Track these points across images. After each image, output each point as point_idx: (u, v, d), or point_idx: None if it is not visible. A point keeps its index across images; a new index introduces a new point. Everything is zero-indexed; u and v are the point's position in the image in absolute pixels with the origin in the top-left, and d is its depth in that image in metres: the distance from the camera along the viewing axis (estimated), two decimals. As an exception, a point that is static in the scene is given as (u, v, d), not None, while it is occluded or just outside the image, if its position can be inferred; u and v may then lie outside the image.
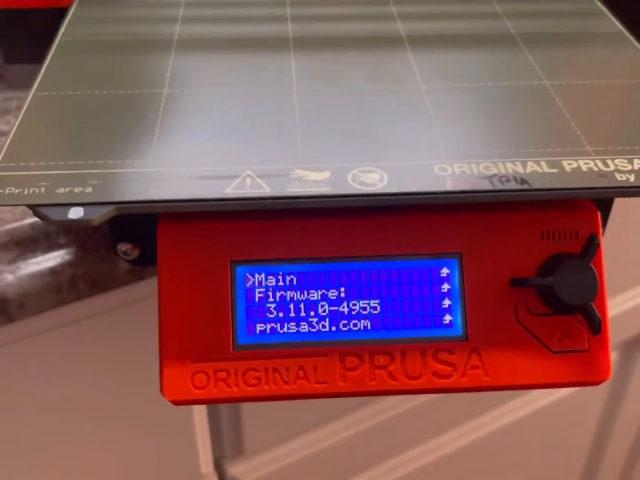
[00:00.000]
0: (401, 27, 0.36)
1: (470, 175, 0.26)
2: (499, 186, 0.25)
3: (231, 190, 0.25)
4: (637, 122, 0.29)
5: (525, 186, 0.25)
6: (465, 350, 0.27)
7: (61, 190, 0.25)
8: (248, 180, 0.25)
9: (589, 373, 0.27)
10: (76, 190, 0.25)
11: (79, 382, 0.40)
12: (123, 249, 0.32)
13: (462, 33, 0.36)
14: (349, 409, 0.55)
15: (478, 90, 0.31)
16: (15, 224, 0.34)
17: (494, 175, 0.26)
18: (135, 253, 0.32)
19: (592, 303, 0.26)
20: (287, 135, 0.28)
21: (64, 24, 0.36)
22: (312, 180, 0.25)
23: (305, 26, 0.36)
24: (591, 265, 0.26)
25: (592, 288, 0.26)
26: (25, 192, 0.25)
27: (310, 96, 0.30)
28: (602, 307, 0.27)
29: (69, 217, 0.24)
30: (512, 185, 0.25)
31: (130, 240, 0.32)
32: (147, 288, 0.38)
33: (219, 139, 0.28)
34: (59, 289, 0.34)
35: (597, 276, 0.26)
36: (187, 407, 0.45)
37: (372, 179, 0.25)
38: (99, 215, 0.24)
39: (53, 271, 0.34)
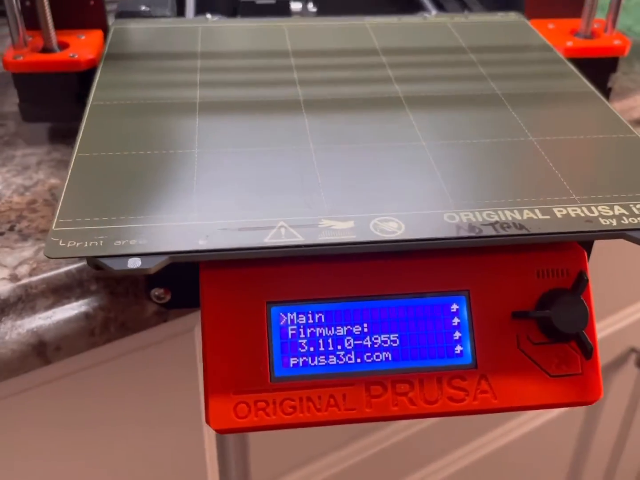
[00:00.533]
0: (399, 89, 0.40)
1: (476, 222, 0.29)
2: (501, 231, 0.29)
3: (269, 239, 0.28)
4: (613, 172, 0.33)
5: (523, 231, 0.29)
6: (476, 377, 0.30)
7: (118, 242, 0.28)
8: (282, 230, 0.29)
9: (583, 394, 0.31)
10: (131, 242, 0.28)
11: (106, 416, 0.43)
12: (156, 293, 0.35)
13: (453, 94, 0.40)
14: (352, 438, 0.58)
15: (473, 147, 0.35)
16: (51, 273, 0.37)
17: (496, 222, 0.30)
18: (167, 297, 0.35)
19: (584, 331, 0.30)
20: (311, 189, 0.31)
21: (93, 89, 0.39)
22: (338, 229, 0.29)
23: (312, 90, 0.40)
24: (582, 298, 0.30)
25: (584, 318, 0.30)
26: (86, 245, 0.28)
27: (326, 153, 0.34)
28: (592, 335, 0.30)
29: (129, 267, 0.27)
30: (513, 230, 0.29)
31: (163, 286, 0.35)
32: (171, 329, 0.41)
33: (251, 194, 0.31)
34: (93, 332, 0.37)
35: (588, 308, 0.30)
36: (198, 439, 0.48)
37: (391, 227, 0.29)
38: (155, 264, 0.27)
39: (87, 315, 0.37)
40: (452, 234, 0.29)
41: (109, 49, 0.43)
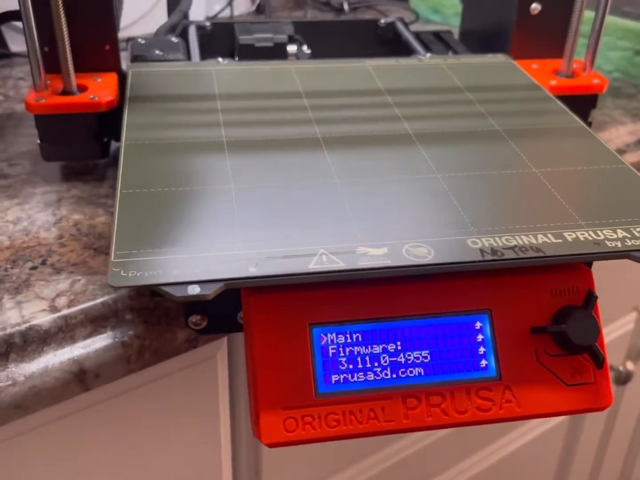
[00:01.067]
0: (407, 127, 0.43)
1: (497, 247, 0.33)
2: (521, 254, 0.32)
3: (313, 265, 0.31)
4: (612, 199, 0.37)
5: (540, 254, 0.32)
6: (500, 388, 0.33)
7: (176, 271, 0.30)
8: (324, 257, 0.31)
9: (596, 401, 0.34)
10: (188, 271, 0.30)
11: (134, 439, 0.44)
12: (194, 320, 0.37)
13: (458, 130, 0.43)
14: (364, 454, 0.60)
15: (484, 178, 0.38)
16: (89, 304, 0.39)
17: (515, 246, 0.33)
18: (204, 323, 0.38)
19: (596, 343, 0.33)
20: (343, 219, 0.34)
21: (123, 130, 0.41)
22: (374, 255, 0.32)
23: (329, 128, 0.43)
24: (593, 314, 0.33)
25: (596, 332, 0.33)
26: (147, 275, 0.30)
27: (351, 186, 0.37)
28: (602, 347, 0.34)
29: (189, 293, 0.29)
30: (531, 253, 0.32)
31: (200, 312, 0.37)
32: (201, 354, 0.43)
33: (288, 225, 0.34)
34: (129, 360, 0.39)
35: (598, 322, 0.33)
36: (215, 458, 0.50)
37: (422, 252, 0.32)
38: (213, 290, 0.30)
39: (124, 344, 0.39)
40: (478, 257, 0.32)
41: (131, 91, 0.46)
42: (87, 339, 0.38)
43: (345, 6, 0.86)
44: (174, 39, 0.54)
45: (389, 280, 0.33)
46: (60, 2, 0.45)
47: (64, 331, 0.38)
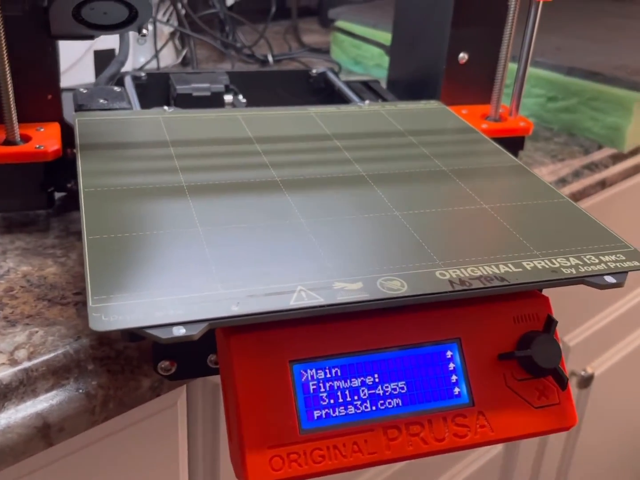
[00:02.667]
0: (360, 169, 0.45)
1: (464, 277, 0.34)
2: (487, 284, 0.34)
3: (294, 302, 0.32)
4: (559, 230, 0.39)
5: (505, 282, 0.34)
6: (474, 414, 0.34)
7: (159, 313, 0.30)
8: (303, 293, 0.32)
9: (562, 421, 0.35)
10: (171, 312, 0.30)
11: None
12: (163, 365, 0.37)
13: (408, 171, 0.45)
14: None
15: (440, 214, 0.40)
16: (50, 355, 0.38)
17: (481, 276, 0.34)
18: (173, 369, 0.37)
19: (559, 366, 0.35)
20: (314, 256, 0.35)
21: (80, 178, 0.41)
22: (351, 289, 0.33)
23: (285, 171, 0.44)
24: (554, 338, 0.35)
25: (558, 355, 0.35)
26: (129, 318, 0.30)
27: (316, 225, 0.38)
28: (564, 368, 0.36)
29: (174, 334, 0.29)
30: (496, 282, 0.34)
31: (169, 358, 0.37)
32: (162, 402, 0.42)
33: (262, 264, 0.34)
34: (93, 411, 0.38)
35: (560, 346, 0.35)
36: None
37: (396, 285, 0.33)
38: (199, 331, 0.30)
39: (88, 395, 0.38)
40: (448, 288, 0.33)
41: (81, 140, 0.45)
42: (50, 392, 0.37)
43: (270, 58, 0.88)
44: (117, 88, 0.54)
45: (363, 314, 0.34)
46: (4, 53, 0.44)
47: (25, 385, 0.37)
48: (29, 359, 0.37)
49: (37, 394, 0.37)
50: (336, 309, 0.32)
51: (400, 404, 0.34)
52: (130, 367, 0.39)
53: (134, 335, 0.31)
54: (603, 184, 0.69)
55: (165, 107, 0.52)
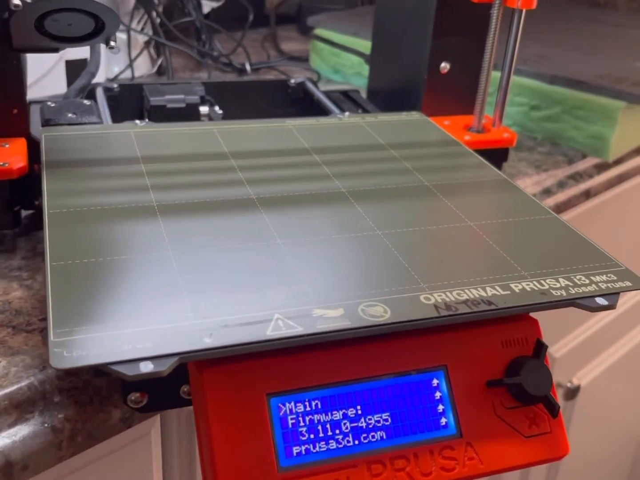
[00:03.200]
0: (340, 185, 0.43)
1: (450, 302, 0.32)
2: (474, 308, 0.32)
3: (271, 332, 0.30)
4: (547, 249, 0.38)
5: (492, 306, 0.32)
6: (462, 445, 0.33)
7: (125, 347, 0.28)
8: (280, 322, 0.30)
9: (553, 450, 0.34)
10: (138, 346, 0.28)
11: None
12: (133, 398, 0.35)
13: (389, 187, 0.44)
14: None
15: (423, 233, 0.39)
16: (13, 388, 0.35)
17: (467, 299, 0.33)
18: (145, 400, 0.35)
19: (550, 393, 0.33)
20: (292, 281, 0.33)
21: (44, 198, 0.39)
22: (331, 317, 0.31)
23: (261, 188, 0.42)
24: (545, 364, 0.34)
25: (549, 381, 0.33)
26: (93, 353, 0.28)
27: (294, 247, 0.36)
28: (555, 395, 0.34)
29: (142, 371, 0.27)
30: (483, 306, 0.32)
31: (140, 390, 0.35)
32: (135, 432, 0.40)
33: (237, 290, 0.32)
34: (60, 446, 0.36)
35: (550, 372, 0.34)
36: None
37: (378, 311, 0.31)
38: (168, 366, 0.28)
39: (54, 429, 0.35)
40: (433, 313, 0.32)
41: (47, 157, 0.43)
42: (13, 427, 0.35)
43: (248, 67, 0.86)
44: (86, 102, 0.51)
45: (344, 342, 0.32)
46: (-34, 65, 0.42)
47: (-15, 420, 0.34)
48: (-9, 392, 0.35)
49: (-1, 430, 0.35)
50: (316, 338, 0.30)
51: (385, 436, 0.32)
52: (99, 398, 0.37)
53: (99, 371, 0.29)
54: (587, 194, 0.68)
55: (137, 121, 0.50)
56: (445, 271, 0.35)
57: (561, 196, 0.65)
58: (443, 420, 0.33)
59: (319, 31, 0.88)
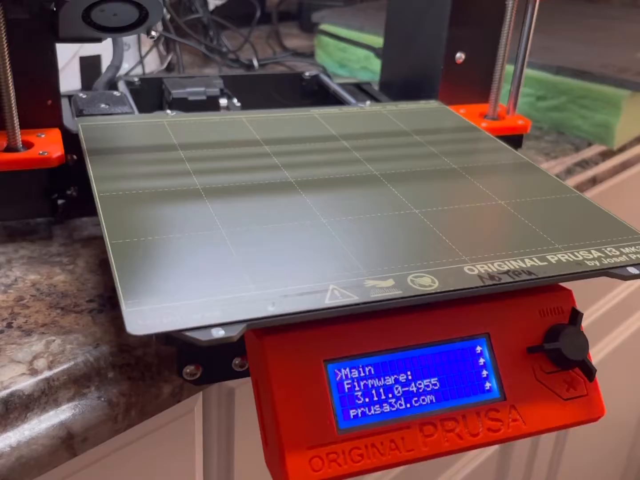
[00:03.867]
0: (372, 168, 0.45)
1: (493, 272, 0.34)
2: (516, 278, 0.34)
3: (329, 300, 0.31)
4: (577, 224, 0.40)
5: (532, 276, 0.34)
6: (507, 408, 0.34)
7: (196, 316, 0.30)
8: (336, 292, 0.32)
9: (590, 412, 0.36)
10: (207, 314, 0.30)
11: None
12: (188, 370, 0.36)
13: (419, 170, 0.45)
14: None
15: (457, 211, 0.40)
16: (71, 364, 0.37)
17: (508, 270, 0.35)
18: (199, 373, 0.37)
19: (587, 357, 0.35)
20: (340, 255, 0.35)
21: (93, 183, 0.40)
22: (383, 287, 0.33)
23: (298, 172, 0.43)
24: (581, 330, 0.36)
25: (586, 347, 0.35)
26: (165, 321, 0.29)
27: (338, 224, 0.38)
28: (590, 360, 0.36)
29: (214, 336, 0.29)
30: (524, 276, 0.34)
31: (194, 362, 0.36)
32: (181, 409, 0.41)
33: (291, 263, 0.34)
34: (116, 419, 0.37)
35: (586, 338, 0.35)
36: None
37: (426, 281, 0.33)
38: (238, 332, 0.29)
39: (110, 403, 0.37)
40: (478, 283, 0.33)
41: (88, 145, 0.45)
42: (72, 401, 0.36)
43: (255, 62, 0.88)
44: (117, 93, 0.53)
45: (393, 312, 0.34)
46: (7, 57, 0.43)
47: (47, 394, 0.36)
48: (49, 368, 0.36)
49: (59, 404, 0.36)
50: (371, 306, 0.31)
51: (434, 400, 0.34)
52: (150, 374, 0.39)
53: (170, 338, 0.30)
54: (594, 181, 0.70)
55: (168, 111, 0.51)
56: (484, 245, 0.37)
57: (570, 182, 0.67)
58: (487, 385, 0.35)
59: (324, 27, 0.89)
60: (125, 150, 0.45)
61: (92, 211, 0.50)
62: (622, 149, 0.73)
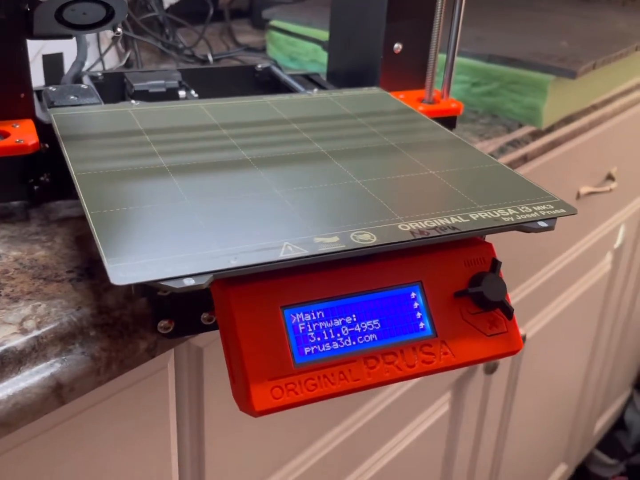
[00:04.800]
0: (319, 147, 0.50)
1: (423, 228, 0.40)
2: (443, 232, 0.40)
3: (283, 254, 0.37)
4: (496, 188, 0.46)
5: (457, 230, 0.40)
6: (438, 343, 0.40)
7: (168, 269, 0.35)
8: (290, 247, 0.37)
9: (509, 346, 0.42)
10: (179, 267, 0.35)
11: (100, 451, 0.47)
12: (162, 324, 0.41)
13: (361, 147, 0.51)
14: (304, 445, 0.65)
15: (395, 180, 0.46)
16: (56, 323, 0.42)
17: (436, 226, 0.40)
18: (172, 327, 0.42)
19: (505, 299, 0.41)
20: (292, 218, 0.40)
21: (69, 164, 0.45)
22: (329, 242, 0.38)
23: (254, 151, 0.49)
24: (499, 276, 0.42)
25: (504, 290, 0.41)
26: (143, 274, 0.34)
27: (290, 194, 0.43)
28: (509, 301, 0.42)
29: (186, 284, 0.34)
30: (449, 231, 0.40)
31: (168, 317, 0.42)
32: (155, 365, 0.46)
33: (249, 226, 0.39)
34: (98, 372, 0.42)
35: (504, 283, 0.41)
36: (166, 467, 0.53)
37: (366, 237, 0.39)
38: (206, 281, 0.34)
39: (93, 357, 0.42)
40: (410, 237, 0.39)
41: (61, 132, 0.49)
42: (60, 356, 0.41)
43: (210, 58, 0.93)
44: (84, 86, 0.57)
45: (339, 264, 0.39)
46: (-17, 54, 0.47)
47: (37, 350, 0.40)
48: (38, 327, 0.41)
49: (48, 358, 0.41)
50: (319, 258, 0.37)
51: (376, 338, 0.39)
52: (127, 332, 0.44)
53: (147, 289, 0.35)
54: (525, 159, 0.77)
55: (132, 101, 0.56)
56: (415, 207, 0.43)
57: (502, 160, 0.74)
58: (421, 325, 0.40)
59: (275, 22, 0.94)
60: (96, 136, 0.49)
61: (65, 195, 0.54)
62: (550, 130, 0.80)
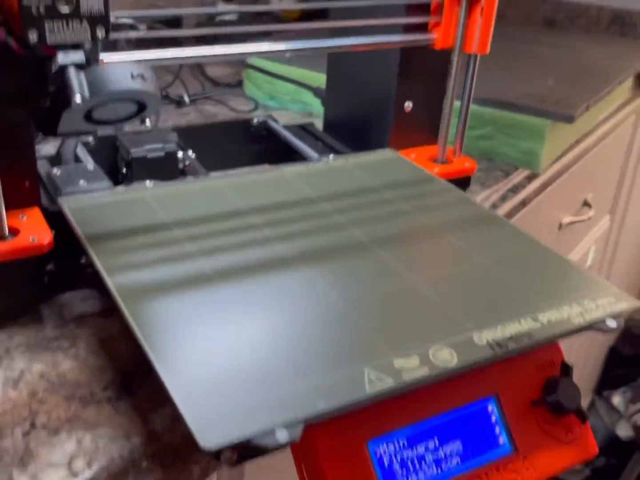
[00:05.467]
0: (357, 232, 0.48)
1: (499, 340, 0.38)
2: (520, 343, 0.38)
3: (368, 387, 0.34)
4: (549, 280, 0.44)
5: (534, 339, 0.39)
6: (520, 460, 0.39)
7: (257, 419, 0.32)
8: (372, 376, 0.35)
9: (586, 452, 0.41)
10: (265, 416, 0.32)
11: None
12: (226, 455, 0.38)
13: (402, 231, 0.49)
14: None
15: (454, 274, 0.44)
16: (107, 460, 0.38)
17: (511, 336, 0.39)
18: (235, 457, 0.39)
19: (580, 405, 0.40)
20: (361, 333, 0.38)
21: (106, 278, 0.41)
22: (411, 367, 0.36)
23: (289, 245, 0.46)
24: (573, 381, 0.40)
25: (579, 395, 0.40)
26: (233, 431, 0.31)
27: (349, 303, 0.41)
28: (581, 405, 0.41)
29: (280, 441, 0.31)
30: (526, 340, 0.39)
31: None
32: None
33: (317, 344, 0.37)
34: None
35: (578, 387, 0.40)
36: None
37: (446, 355, 0.37)
38: (298, 434, 0.32)
39: None
40: (490, 352, 0.37)
41: (83, 230, 0.45)
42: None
43: (186, 98, 0.89)
44: (90, 167, 0.53)
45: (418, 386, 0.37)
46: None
47: (91, 495, 0.37)
48: (89, 466, 0.37)
49: (103, 502, 0.37)
50: (405, 388, 0.35)
51: (459, 462, 0.37)
52: (180, 458, 0.40)
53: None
54: (524, 204, 0.77)
55: (147, 182, 0.52)
56: (481, 310, 0.41)
57: (504, 208, 0.73)
58: (501, 440, 0.39)
59: (252, 60, 0.91)
60: (123, 235, 0.45)
61: (73, 285, 0.50)
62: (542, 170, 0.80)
